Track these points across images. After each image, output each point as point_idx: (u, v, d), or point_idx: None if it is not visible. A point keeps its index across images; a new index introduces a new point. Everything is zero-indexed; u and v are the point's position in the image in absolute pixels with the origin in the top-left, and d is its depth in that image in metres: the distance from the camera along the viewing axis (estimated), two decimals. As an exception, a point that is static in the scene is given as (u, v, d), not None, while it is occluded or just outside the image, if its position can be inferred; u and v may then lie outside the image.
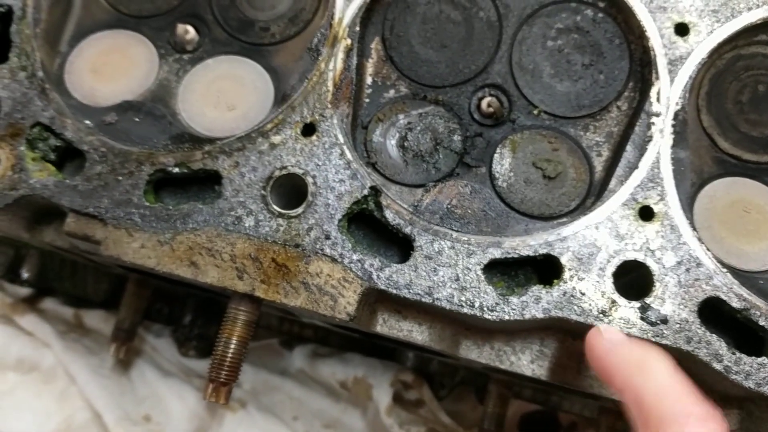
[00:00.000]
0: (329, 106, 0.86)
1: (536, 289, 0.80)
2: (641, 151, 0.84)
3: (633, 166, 0.83)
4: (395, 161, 0.90)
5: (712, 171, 0.89)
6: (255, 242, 0.83)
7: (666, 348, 0.78)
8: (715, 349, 0.77)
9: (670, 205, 0.82)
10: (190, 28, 0.96)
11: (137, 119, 0.92)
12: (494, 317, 0.79)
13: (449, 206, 0.88)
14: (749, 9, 0.87)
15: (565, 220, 0.84)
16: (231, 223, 0.83)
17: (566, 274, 0.80)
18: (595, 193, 0.87)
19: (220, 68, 0.95)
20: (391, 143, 0.91)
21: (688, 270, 0.79)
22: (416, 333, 0.85)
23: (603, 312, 0.79)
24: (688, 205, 0.85)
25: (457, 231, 0.82)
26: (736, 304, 0.78)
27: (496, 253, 0.81)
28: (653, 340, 0.78)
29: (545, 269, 0.83)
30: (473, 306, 0.79)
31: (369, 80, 0.93)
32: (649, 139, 0.84)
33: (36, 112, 0.89)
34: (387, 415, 1.19)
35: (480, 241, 0.81)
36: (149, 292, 1.18)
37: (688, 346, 0.77)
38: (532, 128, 0.90)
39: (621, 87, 0.90)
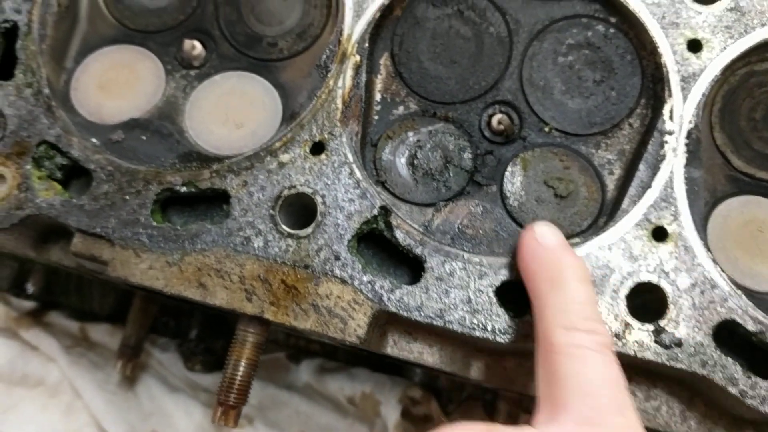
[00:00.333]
0: (338, 124, 0.86)
1: (549, 311, 0.79)
2: (654, 170, 0.83)
3: (646, 186, 0.82)
4: (405, 180, 0.89)
5: (726, 189, 0.88)
6: (264, 263, 0.82)
7: (681, 372, 0.77)
8: (731, 373, 0.76)
9: (684, 225, 0.81)
10: (197, 44, 0.95)
11: (144, 137, 0.91)
12: (507, 340, 0.78)
13: (460, 226, 0.87)
14: (762, 25, 0.86)
15: (577, 240, 0.83)
16: (240, 244, 0.83)
17: (579, 296, 0.79)
18: (607, 212, 0.86)
19: (228, 84, 0.94)
20: (401, 161, 0.90)
21: (702, 292, 0.78)
22: (427, 355, 0.84)
23: (617, 335, 0.78)
24: (702, 225, 0.84)
25: (469, 252, 0.81)
26: (751, 327, 0.77)
27: (508, 275, 0.80)
28: (668, 363, 0.77)
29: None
30: (485, 329, 0.78)
31: (378, 96, 0.92)
32: (662, 157, 0.83)
33: (42, 129, 0.88)
34: (395, 432, 1.19)
35: (492, 262, 0.80)
36: (156, 308, 1.17)
37: (704, 369, 0.76)
38: (543, 146, 0.89)
39: (633, 104, 0.89)
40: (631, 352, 0.77)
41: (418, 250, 0.81)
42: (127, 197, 0.85)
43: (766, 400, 0.75)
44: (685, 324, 0.78)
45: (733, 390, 0.76)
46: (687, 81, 0.85)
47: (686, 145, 0.83)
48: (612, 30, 0.90)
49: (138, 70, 0.95)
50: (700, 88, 0.84)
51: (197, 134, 0.92)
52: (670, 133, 0.84)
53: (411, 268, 0.83)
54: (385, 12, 0.90)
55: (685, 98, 0.84)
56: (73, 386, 1.20)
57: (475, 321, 0.79)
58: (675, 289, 0.79)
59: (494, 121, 0.90)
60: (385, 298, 0.80)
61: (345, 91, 0.87)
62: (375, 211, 0.82)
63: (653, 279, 0.79)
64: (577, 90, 0.90)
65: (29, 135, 0.88)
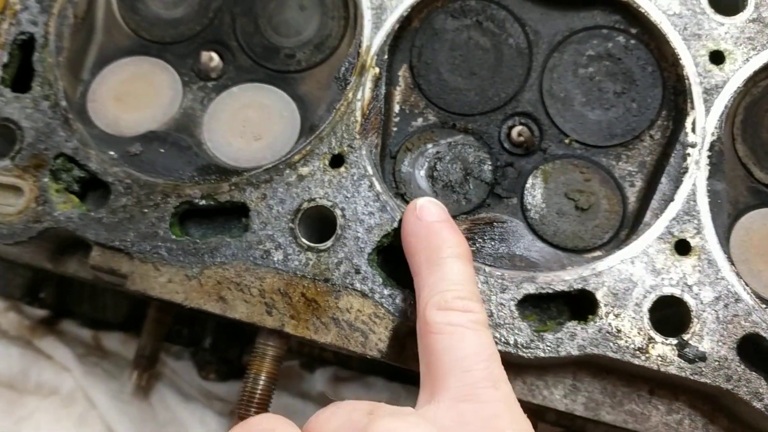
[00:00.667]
0: (358, 136, 0.85)
1: (571, 326, 0.78)
2: (677, 183, 0.82)
3: (668, 199, 0.82)
4: (425, 192, 0.89)
5: (748, 201, 0.87)
6: (284, 277, 0.81)
7: (704, 386, 0.77)
8: (756, 388, 0.76)
9: (707, 238, 0.80)
10: (215, 55, 0.94)
11: (162, 150, 0.91)
12: (530, 354, 0.78)
13: (481, 239, 0.86)
14: (785, 36, 0.85)
15: (599, 253, 0.83)
16: (259, 257, 0.82)
17: (602, 310, 0.78)
18: (628, 225, 0.86)
19: (246, 96, 0.93)
20: (420, 173, 0.89)
21: (726, 306, 0.78)
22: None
23: (640, 349, 0.77)
24: (725, 237, 0.84)
25: (490, 265, 0.81)
26: (775, 341, 0.77)
27: (530, 289, 0.79)
28: (692, 378, 0.76)
29: (578, 302, 0.81)
30: (508, 343, 0.78)
31: (397, 108, 0.92)
32: (685, 170, 0.83)
33: (59, 142, 0.88)
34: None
35: (513, 276, 0.80)
36: (170, 317, 1.17)
37: (728, 384, 0.76)
38: (563, 158, 0.89)
39: (654, 115, 0.88)
40: (655, 367, 0.77)
41: (440, 264, 0.80)
42: (146, 210, 0.85)
43: (791, 415, 0.75)
44: (708, 338, 0.77)
45: (758, 405, 0.76)
46: (710, 93, 0.84)
47: (709, 157, 0.83)
48: (633, 41, 0.89)
49: (155, 82, 0.95)
50: (722, 101, 0.84)
51: (216, 146, 0.92)
52: (693, 145, 0.83)
53: (432, 281, 0.82)
54: (404, 23, 0.90)
55: (707, 110, 0.84)
56: (87, 396, 1.20)
57: (498, 335, 0.78)
58: (698, 302, 0.78)
59: (514, 132, 0.89)
60: (406, 312, 0.79)
61: (364, 104, 0.86)
62: (395, 224, 0.82)
63: (676, 292, 0.79)
64: (597, 101, 0.89)
65: (47, 148, 0.88)
